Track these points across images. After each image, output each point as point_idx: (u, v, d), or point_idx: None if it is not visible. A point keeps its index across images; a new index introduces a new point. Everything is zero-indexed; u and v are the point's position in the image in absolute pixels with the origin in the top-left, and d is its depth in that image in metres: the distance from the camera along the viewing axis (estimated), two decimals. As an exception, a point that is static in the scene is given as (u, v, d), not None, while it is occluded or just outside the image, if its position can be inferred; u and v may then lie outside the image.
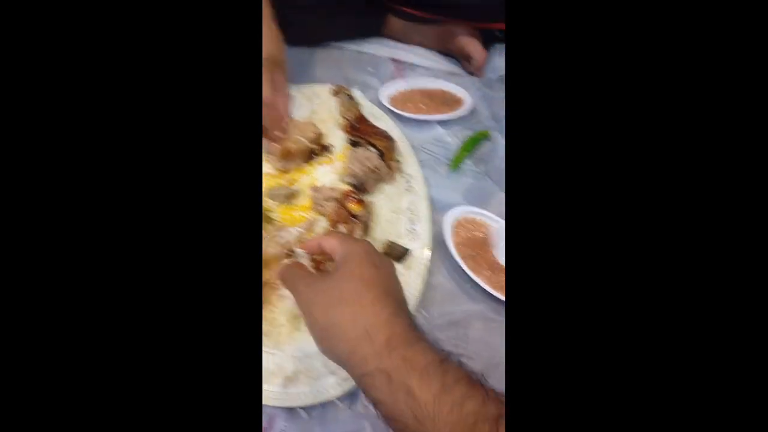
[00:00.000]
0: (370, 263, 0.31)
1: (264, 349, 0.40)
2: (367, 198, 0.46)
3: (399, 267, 0.44)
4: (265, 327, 0.41)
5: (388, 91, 0.59)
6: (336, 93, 0.57)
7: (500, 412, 0.23)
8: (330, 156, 0.50)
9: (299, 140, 0.48)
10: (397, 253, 0.44)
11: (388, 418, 0.26)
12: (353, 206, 0.43)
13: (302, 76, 0.62)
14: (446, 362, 0.26)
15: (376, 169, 0.46)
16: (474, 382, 0.25)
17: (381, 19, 0.65)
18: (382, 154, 0.48)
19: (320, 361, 0.39)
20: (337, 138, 0.52)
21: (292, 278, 0.33)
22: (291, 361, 0.40)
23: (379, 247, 0.44)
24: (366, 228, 0.44)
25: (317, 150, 0.49)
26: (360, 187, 0.47)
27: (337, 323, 0.28)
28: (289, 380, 0.39)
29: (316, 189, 0.46)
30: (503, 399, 0.24)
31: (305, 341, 0.41)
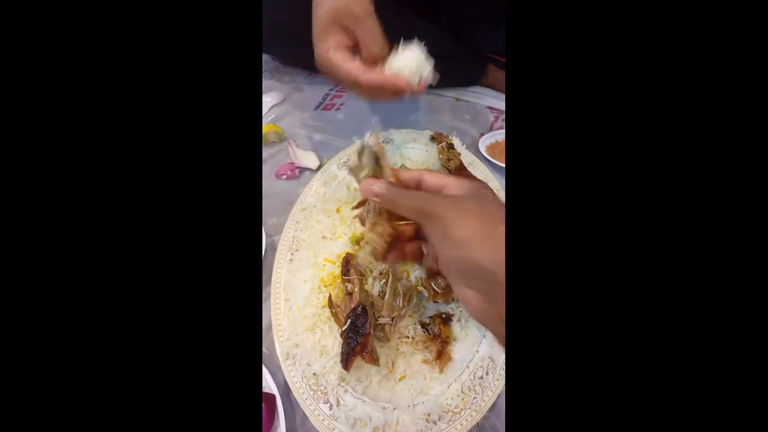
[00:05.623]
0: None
1: (355, 395, 0.40)
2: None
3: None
4: (357, 374, 0.41)
5: (486, 141, 0.59)
6: (435, 140, 0.58)
7: None
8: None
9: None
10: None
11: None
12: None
13: (400, 119, 0.64)
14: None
15: (475, 223, 0.46)
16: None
17: (482, 68, 0.66)
18: (481, 207, 0.47)
19: (410, 419, 0.39)
20: (435, 186, 0.52)
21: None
22: (380, 412, 0.39)
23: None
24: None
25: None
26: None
27: None
28: (377, 431, 0.39)
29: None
30: None
31: (396, 394, 0.41)
